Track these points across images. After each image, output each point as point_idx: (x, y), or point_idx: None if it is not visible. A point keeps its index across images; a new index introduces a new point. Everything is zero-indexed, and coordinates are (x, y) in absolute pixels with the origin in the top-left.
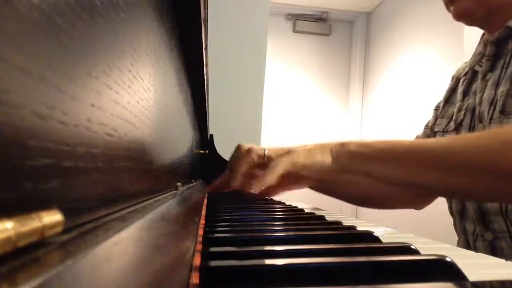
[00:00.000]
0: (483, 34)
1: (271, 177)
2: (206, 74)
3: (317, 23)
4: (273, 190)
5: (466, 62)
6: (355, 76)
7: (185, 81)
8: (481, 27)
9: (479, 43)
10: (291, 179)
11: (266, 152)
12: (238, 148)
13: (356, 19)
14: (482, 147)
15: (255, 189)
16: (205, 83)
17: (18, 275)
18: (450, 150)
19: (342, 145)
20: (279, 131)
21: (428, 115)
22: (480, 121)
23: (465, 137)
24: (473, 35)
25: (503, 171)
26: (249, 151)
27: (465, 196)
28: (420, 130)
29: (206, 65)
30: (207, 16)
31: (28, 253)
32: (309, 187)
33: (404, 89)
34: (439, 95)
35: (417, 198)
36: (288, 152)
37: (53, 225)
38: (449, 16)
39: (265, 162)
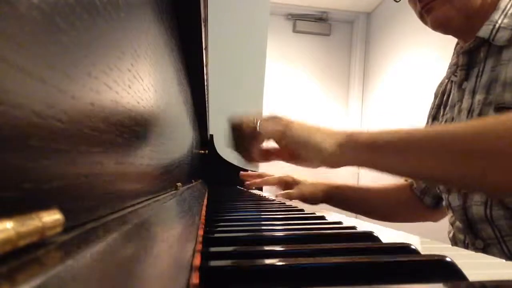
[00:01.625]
0: (457, 44)
1: (256, 142)
2: (206, 74)
3: (317, 23)
4: (261, 156)
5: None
6: (355, 76)
7: (185, 81)
8: (456, 35)
9: (453, 54)
10: (285, 151)
11: (258, 120)
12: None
13: (356, 19)
14: (500, 131)
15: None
16: (205, 83)
17: (18, 275)
18: (470, 135)
19: (350, 135)
20: None
21: (427, 115)
22: None
23: (482, 122)
24: None
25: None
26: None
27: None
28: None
29: (206, 65)
30: (207, 16)
31: (28, 253)
32: (321, 202)
33: (404, 89)
34: None
35: (424, 214)
36: (282, 121)
37: (53, 225)
38: None
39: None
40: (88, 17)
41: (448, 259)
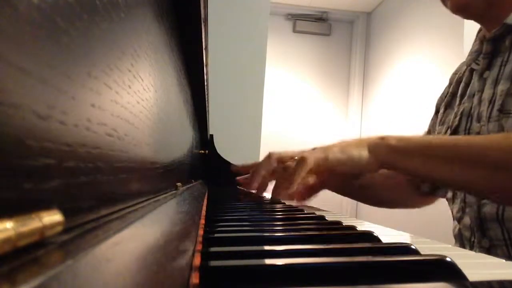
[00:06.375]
0: (479, 31)
1: (300, 171)
2: (206, 74)
3: (317, 23)
4: (302, 193)
5: (463, 62)
6: (355, 76)
7: (185, 81)
8: (478, 21)
9: (475, 40)
10: (322, 177)
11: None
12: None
13: (356, 19)
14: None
15: (284, 189)
16: (205, 83)
17: (18, 275)
18: (488, 148)
19: (382, 138)
20: (279, 131)
21: (428, 114)
22: (478, 120)
23: (501, 137)
24: (472, 34)
25: None
26: (273, 155)
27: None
28: (420, 130)
29: (206, 65)
30: (207, 16)
31: (28, 253)
32: (328, 189)
33: (404, 89)
34: (439, 95)
35: (421, 200)
36: (322, 148)
37: (53, 225)
38: (448, 15)
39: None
40: (88, 17)
41: (448, 259)
